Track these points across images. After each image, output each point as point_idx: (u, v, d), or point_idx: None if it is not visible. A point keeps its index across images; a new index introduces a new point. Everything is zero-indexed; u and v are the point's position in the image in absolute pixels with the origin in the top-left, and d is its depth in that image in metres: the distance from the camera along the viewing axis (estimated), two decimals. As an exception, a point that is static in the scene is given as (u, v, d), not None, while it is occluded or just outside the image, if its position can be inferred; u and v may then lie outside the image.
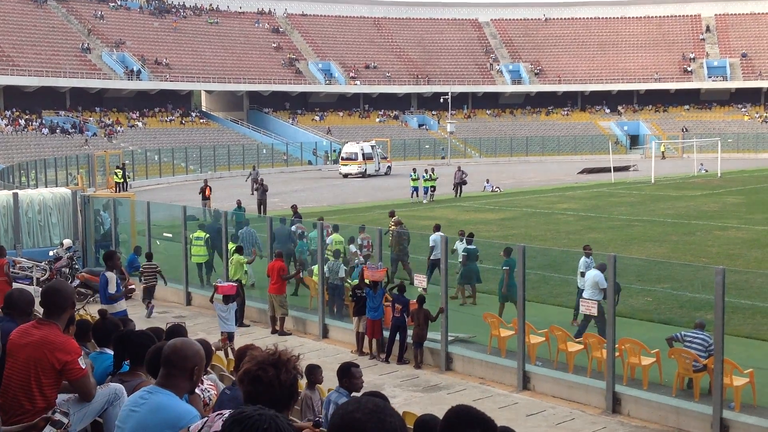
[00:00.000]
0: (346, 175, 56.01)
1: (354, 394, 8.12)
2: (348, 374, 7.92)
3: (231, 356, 14.18)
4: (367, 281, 15.43)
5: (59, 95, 64.74)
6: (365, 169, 56.77)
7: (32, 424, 4.29)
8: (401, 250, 20.26)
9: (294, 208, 25.90)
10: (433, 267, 19.27)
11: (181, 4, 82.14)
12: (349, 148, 58.68)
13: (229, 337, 14.54)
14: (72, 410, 4.62)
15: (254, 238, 20.61)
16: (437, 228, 20.40)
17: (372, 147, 59.18)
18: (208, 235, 20.90)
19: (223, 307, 14.64)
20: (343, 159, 58.11)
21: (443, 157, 71.83)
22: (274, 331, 17.03)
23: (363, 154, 57.32)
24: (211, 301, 15.93)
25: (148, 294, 18.63)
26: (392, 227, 21.54)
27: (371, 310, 15.15)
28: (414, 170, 42.25)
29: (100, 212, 22.94)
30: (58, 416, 4.32)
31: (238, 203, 28.10)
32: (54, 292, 5.11)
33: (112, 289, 13.49)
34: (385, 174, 58.49)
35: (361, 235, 20.60)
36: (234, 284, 15.65)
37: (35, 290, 15.54)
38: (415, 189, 41.12)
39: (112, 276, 13.61)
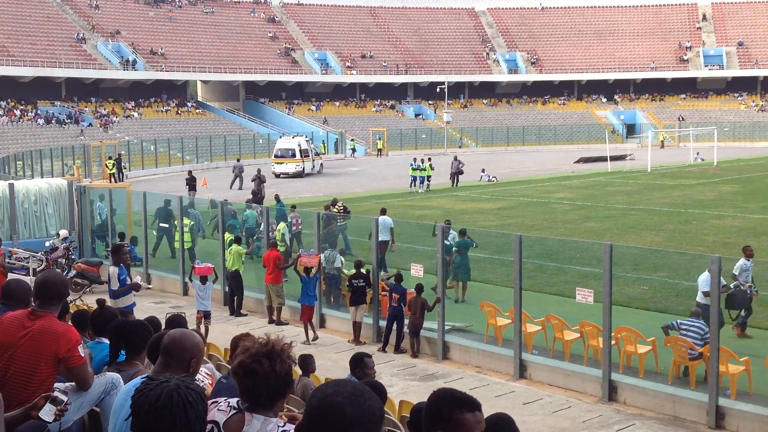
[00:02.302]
0: (279, 175, 47.91)
1: None
2: (361, 364, 7.95)
3: (204, 333, 14.46)
4: (301, 268, 16.13)
5: (54, 85, 64.53)
6: (303, 168, 49.07)
7: (32, 405, 4.30)
8: (329, 233, 20.73)
9: (276, 197, 26.69)
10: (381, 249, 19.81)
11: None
12: (284, 143, 50.52)
13: (204, 315, 15.44)
14: (69, 399, 4.63)
15: (199, 221, 22.15)
16: (383, 212, 20.76)
17: (307, 142, 52.11)
18: (193, 222, 21.42)
19: (201, 287, 15.63)
20: (276, 156, 49.60)
21: (460, 146, 72.71)
22: (271, 321, 17.06)
23: (300, 151, 49.60)
24: (190, 279, 17.07)
25: None
26: (337, 209, 23.21)
27: (307, 296, 15.76)
28: (414, 160, 42.22)
29: (96, 202, 22.92)
30: (57, 394, 4.33)
31: (276, 197, 27.80)
32: (48, 282, 5.10)
33: (114, 285, 13.06)
34: (318, 173, 51.08)
35: (291, 213, 22.06)
36: (211, 266, 16.41)
37: (32, 281, 15.51)
38: (414, 179, 41.16)
39: (114, 271, 13.00)
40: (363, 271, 15.81)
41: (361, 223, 22.76)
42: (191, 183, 36.49)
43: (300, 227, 21.91)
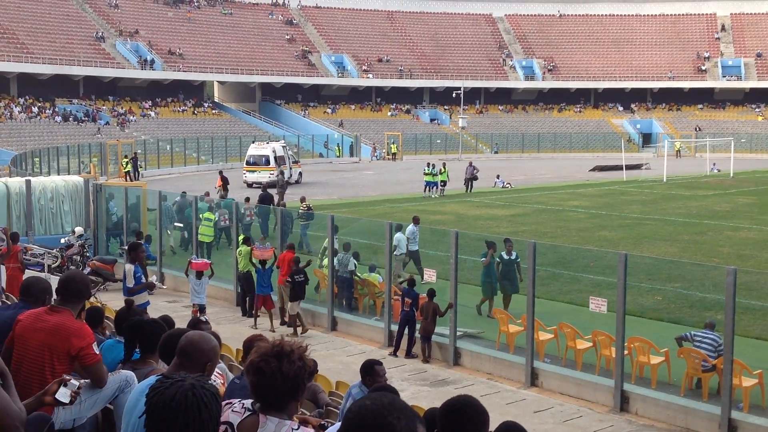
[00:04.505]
0: (251, 185, 42.51)
1: None
2: (371, 372, 7.96)
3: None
4: (256, 260, 16.98)
5: (73, 83, 64.95)
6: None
7: (44, 391, 4.33)
8: (284, 230, 21.06)
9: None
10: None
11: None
12: (257, 150, 45.88)
13: (200, 308, 15.73)
14: (84, 396, 4.66)
15: (171, 213, 22.94)
16: (416, 220, 20.76)
17: (284, 148, 47.31)
18: (216, 218, 21.82)
19: (196, 282, 16.08)
20: (248, 164, 45.18)
21: (496, 152, 73.75)
22: (283, 323, 17.08)
23: (275, 158, 44.77)
24: (186, 274, 17.21)
25: None
26: (303, 208, 24.43)
27: (261, 287, 16.68)
28: (428, 164, 42.13)
29: (109, 202, 23.08)
30: (68, 377, 4.38)
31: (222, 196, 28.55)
32: (75, 280, 5.20)
33: (129, 282, 13.13)
34: (296, 182, 45.62)
35: (218, 210, 23.38)
36: (207, 261, 16.98)
37: (47, 277, 15.59)
38: (427, 183, 41.08)
39: (130, 269, 13.04)
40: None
41: (374, 227, 22.74)
42: (224, 184, 36.43)
43: (227, 222, 22.43)
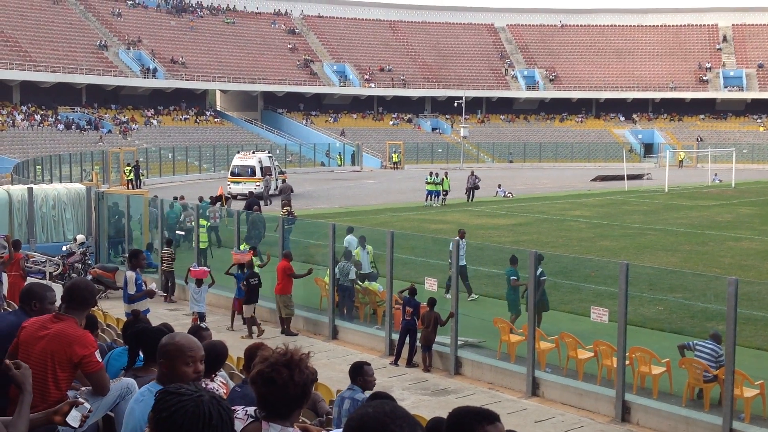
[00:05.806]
0: (236, 197, 39.38)
1: (366, 392, 8.18)
2: (361, 372, 8.06)
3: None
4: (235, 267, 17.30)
5: (75, 91, 65.10)
6: (263, 189, 41.91)
7: (54, 410, 4.33)
8: (256, 234, 21.54)
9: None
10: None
11: (198, 4, 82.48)
12: (242, 160, 44.23)
13: (200, 316, 15.86)
14: (89, 404, 4.65)
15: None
16: (462, 234, 20.46)
17: (269, 158, 45.72)
18: (209, 223, 22.14)
19: (196, 289, 16.18)
20: (233, 175, 43.66)
21: (510, 161, 74.57)
22: (282, 331, 17.08)
23: (261, 168, 43.44)
24: (186, 282, 17.45)
25: (169, 278, 19.31)
26: (283, 213, 25.24)
27: (240, 290, 16.96)
28: (430, 174, 42.06)
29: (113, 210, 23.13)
30: (81, 399, 4.38)
31: (200, 198, 28.96)
32: (80, 288, 5.23)
33: (131, 289, 13.20)
34: (282, 192, 41.34)
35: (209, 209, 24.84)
36: (206, 269, 16.94)
37: (48, 284, 15.56)
38: (430, 192, 40.99)
39: (131, 276, 13.19)
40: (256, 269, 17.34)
41: (374, 235, 22.73)
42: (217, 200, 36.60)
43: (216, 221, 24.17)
